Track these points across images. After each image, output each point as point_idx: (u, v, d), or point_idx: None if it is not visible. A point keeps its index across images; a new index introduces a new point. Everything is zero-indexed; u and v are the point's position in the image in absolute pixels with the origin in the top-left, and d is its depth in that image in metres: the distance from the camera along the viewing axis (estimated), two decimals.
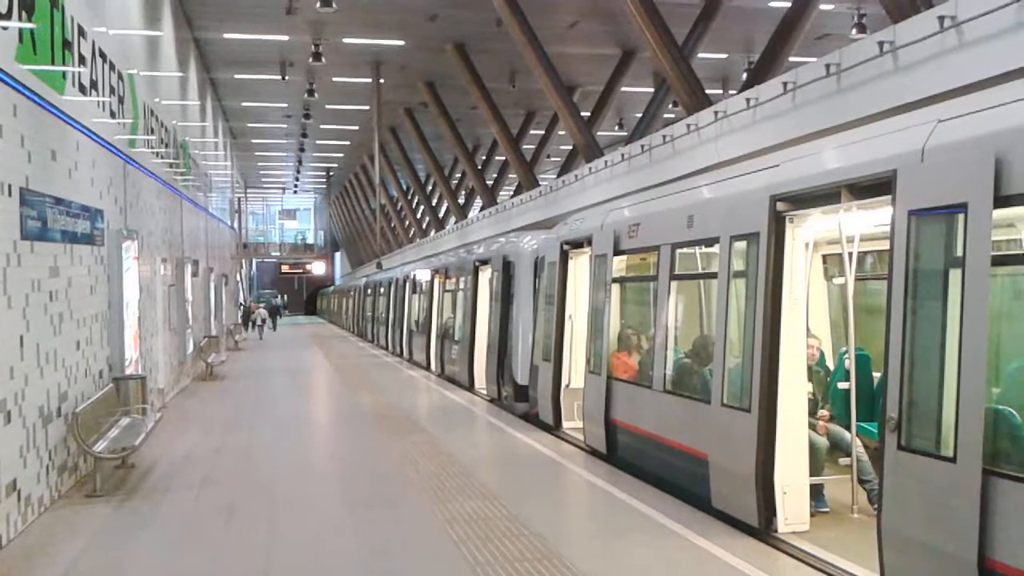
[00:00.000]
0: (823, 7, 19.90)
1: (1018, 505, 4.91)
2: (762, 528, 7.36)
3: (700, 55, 20.83)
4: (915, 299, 5.74)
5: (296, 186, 67.53)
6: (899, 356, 5.74)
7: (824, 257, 9.81)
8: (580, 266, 12.38)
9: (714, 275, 8.58)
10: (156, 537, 7.92)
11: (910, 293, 5.75)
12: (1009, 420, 5.26)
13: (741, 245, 7.99)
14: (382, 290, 34.31)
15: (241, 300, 47.54)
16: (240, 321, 40.56)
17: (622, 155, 16.28)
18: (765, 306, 7.44)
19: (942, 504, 5.36)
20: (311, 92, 29.96)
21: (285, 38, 24.60)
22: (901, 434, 5.67)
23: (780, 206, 7.41)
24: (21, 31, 8.04)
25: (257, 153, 48.02)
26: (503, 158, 34.23)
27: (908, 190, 5.84)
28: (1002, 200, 5.12)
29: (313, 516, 8.49)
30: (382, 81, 28.91)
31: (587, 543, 7.54)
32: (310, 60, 25.13)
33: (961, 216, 5.35)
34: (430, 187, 46.71)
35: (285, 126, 39.40)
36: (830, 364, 9.47)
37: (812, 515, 7.53)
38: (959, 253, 5.36)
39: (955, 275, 5.38)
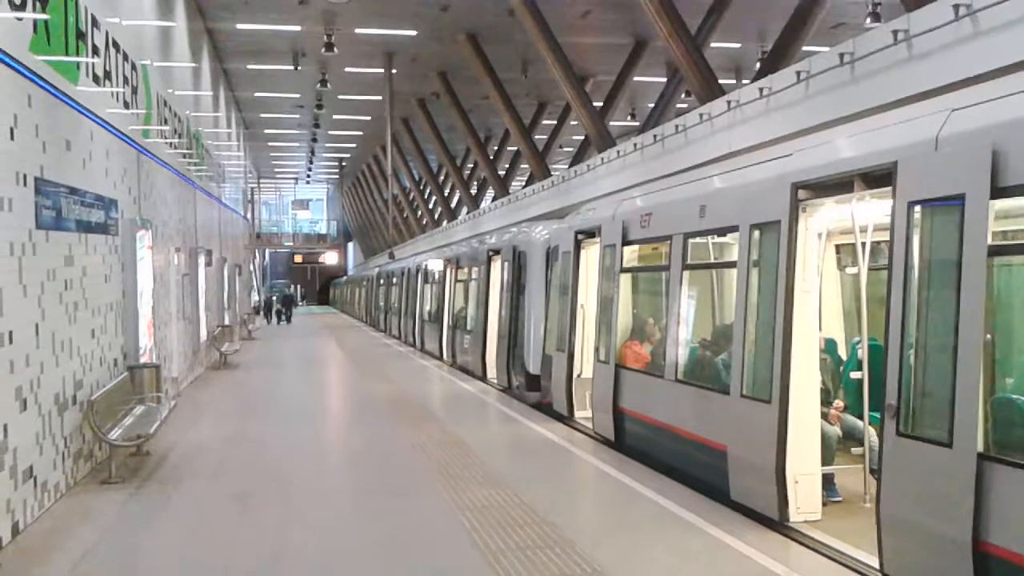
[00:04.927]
0: None
1: (1011, 489, 5.02)
2: (782, 519, 7.37)
3: (713, 44, 20.70)
4: (914, 289, 5.82)
5: (309, 176, 67.63)
6: (898, 344, 5.85)
7: (837, 247, 9.78)
8: (592, 256, 12.38)
9: (732, 264, 8.55)
10: (170, 524, 8.00)
11: (909, 283, 5.84)
12: (1005, 407, 5.41)
13: (761, 234, 7.96)
14: (394, 280, 34.40)
15: (254, 285, 47.67)
16: (261, 311, 40.70)
17: (634, 145, 16.22)
18: (787, 294, 7.42)
19: (938, 488, 5.48)
20: (324, 82, 29.96)
21: (297, 28, 24.60)
22: (900, 420, 5.79)
23: (801, 194, 7.39)
24: (35, 22, 8.08)
25: (270, 143, 48.07)
26: (515, 148, 34.16)
27: (907, 181, 5.91)
28: (999, 192, 5.19)
29: (326, 504, 8.55)
30: (394, 71, 28.92)
31: (598, 531, 7.57)
32: (323, 50, 25.12)
33: (958, 207, 5.40)
34: (442, 177, 46.69)
35: (298, 116, 39.40)
36: (843, 354, 9.45)
37: (824, 504, 7.54)
38: (956, 244, 5.42)
39: (952, 265, 5.44)
